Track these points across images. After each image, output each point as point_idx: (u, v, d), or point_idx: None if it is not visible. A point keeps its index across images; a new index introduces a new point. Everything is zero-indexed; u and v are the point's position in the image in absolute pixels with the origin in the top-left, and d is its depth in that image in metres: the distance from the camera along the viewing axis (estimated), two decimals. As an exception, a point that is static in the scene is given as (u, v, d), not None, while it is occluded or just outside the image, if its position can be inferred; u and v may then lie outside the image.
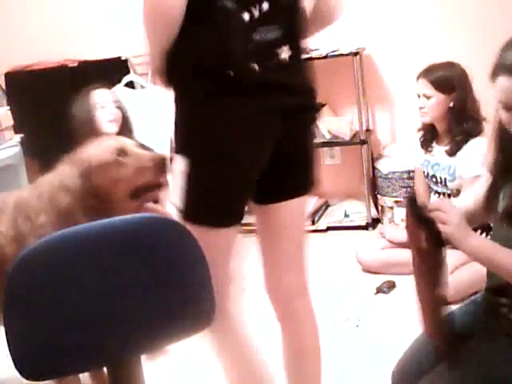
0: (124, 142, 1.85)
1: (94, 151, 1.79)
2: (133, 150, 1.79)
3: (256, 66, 1.48)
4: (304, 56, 1.64)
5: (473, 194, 1.67)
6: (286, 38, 1.54)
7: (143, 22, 1.47)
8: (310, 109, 1.66)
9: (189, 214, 1.54)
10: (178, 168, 1.53)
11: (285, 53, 1.54)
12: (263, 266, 1.76)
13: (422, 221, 1.45)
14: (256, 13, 1.48)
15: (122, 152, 1.77)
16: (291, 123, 1.58)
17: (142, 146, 2.00)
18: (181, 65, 1.50)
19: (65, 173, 1.79)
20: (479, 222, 1.68)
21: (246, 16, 1.47)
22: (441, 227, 1.42)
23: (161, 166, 1.76)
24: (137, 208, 1.80)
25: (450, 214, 1.44)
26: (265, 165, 1.57)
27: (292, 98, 1.56)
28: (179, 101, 1.55)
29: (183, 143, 1.55)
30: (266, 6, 1.49)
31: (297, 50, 1.58)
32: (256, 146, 1.53)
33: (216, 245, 1.54)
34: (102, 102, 2.94)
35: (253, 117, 1.50)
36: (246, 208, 1.64)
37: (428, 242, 1.43)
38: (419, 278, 1.54)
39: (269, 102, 1.50)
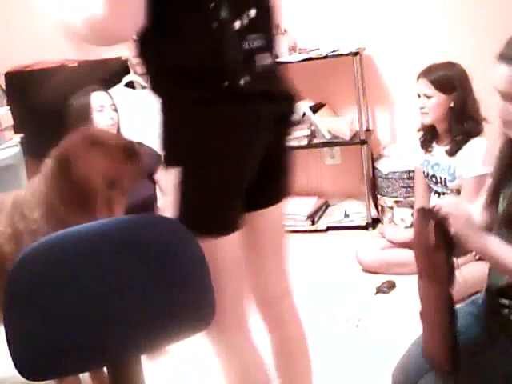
0: (99, 132, 1.88)
1: (70, 142, 1.83)
2: (105, 141, 1.82)
3: (248, 75, 1.48)
4: (277, 62, 1.65)
5: (479, 203, 1.68)
6: (267, 45, 1.55)
7: (79, 28, 1.43)
8: (291, 114, 1.66)
9: (188, 223, 1.50)
10: (171, 181, 1.48)
11: (267, 60, 1.54)
12: (247, 269, 1.74)
13: (430, 217, 1.45)
14: (245, 20, 1.48)
15: (94, 142, 1.81)
16: (278, 129, 1.59)
17: (141, 145, 2.02)
18: (174, 74, 1.47)
19: (47, 166, 1.85)
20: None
21: (237, 24, 1.46)
22: (451, 224, 1.42)
23: (130, 152, 1.79)
24: (117, 196, 1.83)
25: (459, 210, 1.44)
26: (255, 172, 1.56)
27: (277, 105, 1.56)
28: (169, 111, 1.50)
29: (178, 154, 1.50)
30: (253, 12, 1.49)
31: (275, 56, 1.59)
32: (250, 152, 1.53)
33: (216, 254, 1.52)
34: (99, 106, 2.95)
35: (247, 124, 1.49)
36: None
37: (437, 238, 1.43)
38: (426, 279, 1.53)
39: (259, 109, 1.50)
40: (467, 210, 1.47)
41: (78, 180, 1.79)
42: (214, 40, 1.44)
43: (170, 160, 1.50)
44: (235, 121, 1.48)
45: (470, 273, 2.69)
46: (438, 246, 1.44)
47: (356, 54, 3.67)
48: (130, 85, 3.93)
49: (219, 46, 1.45)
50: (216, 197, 1.49)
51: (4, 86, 4.13)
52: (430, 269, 1.50)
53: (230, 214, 1.54)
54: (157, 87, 1.52)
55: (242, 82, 1.47)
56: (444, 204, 1.46)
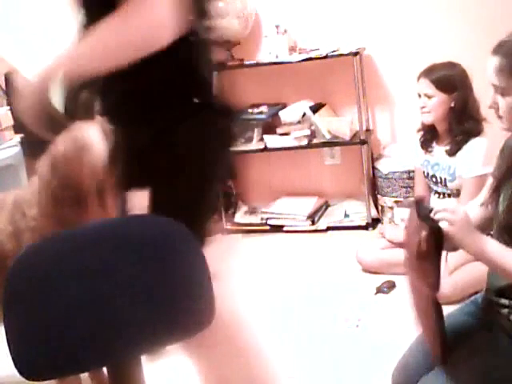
0: (90, 134, 1.87)
1: (61, 143, 1.82)
2: (94, 144, 1.81)
3: (211, 90, 1.48)
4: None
5: (478, 203, 1.69)
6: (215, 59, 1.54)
7: (113, 39, 1.29)
8: (235, 127, 1.67)
9: None
10: (141, 202, 1.44)
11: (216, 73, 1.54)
12: None
13: (425, 220, 1.45)
14: (212, 33, 1.47)
15: (84, 145, 1.80)
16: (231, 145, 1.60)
17: None
18: (147, 92, 1.41)
19: (40, 164, 1.86)
20: (486, 232, 1.66)
21: (206, 37, 1.45)
22: (446, 227, 1.42)
23: (115, 160, 1.79)
24: (107, 202, 1.83)
25: (456, 214, 1.44)
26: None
27: (231, 118, 1.56)
28: (135, 134, 1.42)
29: (149, 175, 1.44)
30: (212, 23, 1.46)
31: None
32: (221, 167, 1.53)
33: None
34: None
35: (216, 139, 1.48)
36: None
37: (427, 242, 1.43)
38: (416, 280, 1.53)
39: (222, 123, 1.50)
40: (465, 213, 1.47)
41: (66, 181, 1.80)
42: (185, 55, 1.39)
43: (139, 182, 1.45)
44: (206, 138, 1.46)
45: (470, 273, 2.69)
46: (429, 253, 1.44)
47: (356, 54, 3.67)
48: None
49: (191, 60, 1.42)
50: (191, 214, 1.47)
51: (4, 86, 4.13)
52: (419, 272, 1.50)
53: (203, 230, 1.52)
54: (119, 112, 1.45)
55: (208, 97, 1.46)
56: (441, 208, 1.45)
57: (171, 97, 1.42)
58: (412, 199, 1.41)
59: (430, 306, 1.49)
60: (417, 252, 1.45)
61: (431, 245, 1.42)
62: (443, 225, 1.42)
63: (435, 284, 1.43)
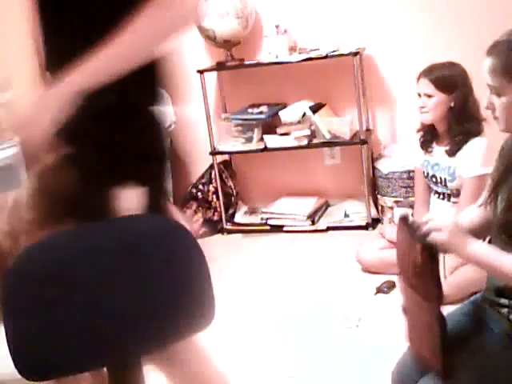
0: None
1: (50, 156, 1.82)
2: None
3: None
4: None
5: (475, 207, 1.69)
6: None
7: (165, 23, 1.33)
8: None
9: None
10: (133, 202, 1.45)
11: None
12: None
13: (415, 235, 1.45)
14: None
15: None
16: None
17: None
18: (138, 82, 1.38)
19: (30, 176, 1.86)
20: (487, 233, 1.66)
21: None
22: (436, 236, 1.42)
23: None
24: None
25: (443, 222, 1.44)
26: None
27: None
28: (122, 124, 1.42)
29: (139, 167, 1.46)
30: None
31: None
32: None
33: None
34: None
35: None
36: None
37: (423, 255, 1.43)
38: (415, 294, 1.53)
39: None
40: (453, 220, 1.47)
41: (51, 191, 1.80)
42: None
43: (135, 179, 1.45)
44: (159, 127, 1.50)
45: (469, 273, 2.70)
46: (425, 268, 1.44)
47: (356, 54, 3.67)
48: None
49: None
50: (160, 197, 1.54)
51: (4, 86, 4.13)
52: (419, 286, 1.50)
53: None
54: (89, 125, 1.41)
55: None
56: (426, 219, 1.46)
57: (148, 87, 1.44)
58: (400, 216, 1.42)
59: (433, 319, 1.48)
60: (413, 265, 1.45)
61: (426, 257, 1.42)
62: (433, 235, 1.43)
63: (439, 294, 1.43)
